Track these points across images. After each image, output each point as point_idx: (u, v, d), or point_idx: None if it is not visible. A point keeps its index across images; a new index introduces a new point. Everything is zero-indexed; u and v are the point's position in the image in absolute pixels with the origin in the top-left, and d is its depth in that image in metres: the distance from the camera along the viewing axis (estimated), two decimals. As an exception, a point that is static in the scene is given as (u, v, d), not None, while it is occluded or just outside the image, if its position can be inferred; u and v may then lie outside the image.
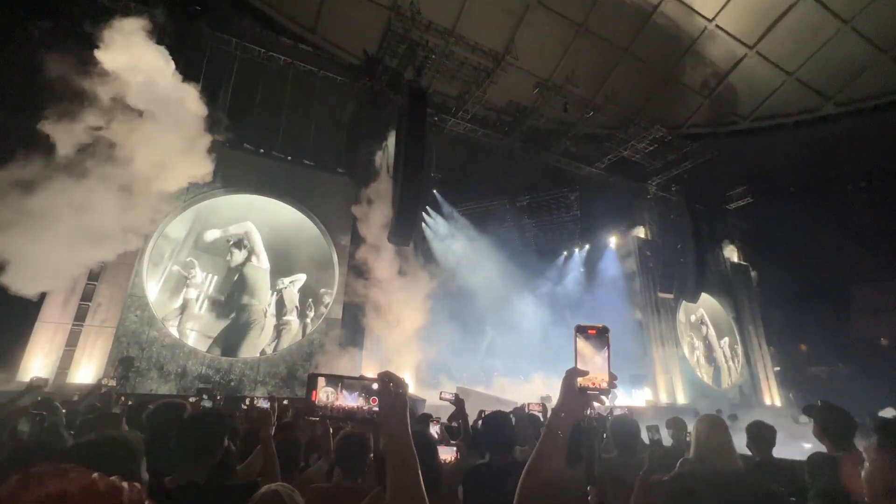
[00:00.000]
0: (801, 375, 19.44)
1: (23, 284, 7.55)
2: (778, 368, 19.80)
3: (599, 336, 1.04)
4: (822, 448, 2.53)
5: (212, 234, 12.24)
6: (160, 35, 9.85)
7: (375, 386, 0.87)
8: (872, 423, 1.21)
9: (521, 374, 15.12)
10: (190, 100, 9.62)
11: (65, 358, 9.30)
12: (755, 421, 2.85)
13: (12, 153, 7.70)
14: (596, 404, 1.04)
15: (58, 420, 2.46)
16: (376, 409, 0.86)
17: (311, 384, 0.89)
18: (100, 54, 8.40)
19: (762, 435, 2.77)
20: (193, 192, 11.41)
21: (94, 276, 9.95)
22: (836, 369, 18.78)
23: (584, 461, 1.53)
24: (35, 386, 3.19)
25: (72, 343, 9.47)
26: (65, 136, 8.15)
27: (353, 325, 12.80)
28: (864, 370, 16.72)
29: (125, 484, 0.42)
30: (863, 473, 1.09)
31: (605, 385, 1.00)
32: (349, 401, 0.87)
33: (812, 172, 17.57)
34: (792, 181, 18.37)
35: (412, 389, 10.65)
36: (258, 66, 12.86)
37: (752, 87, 15.88)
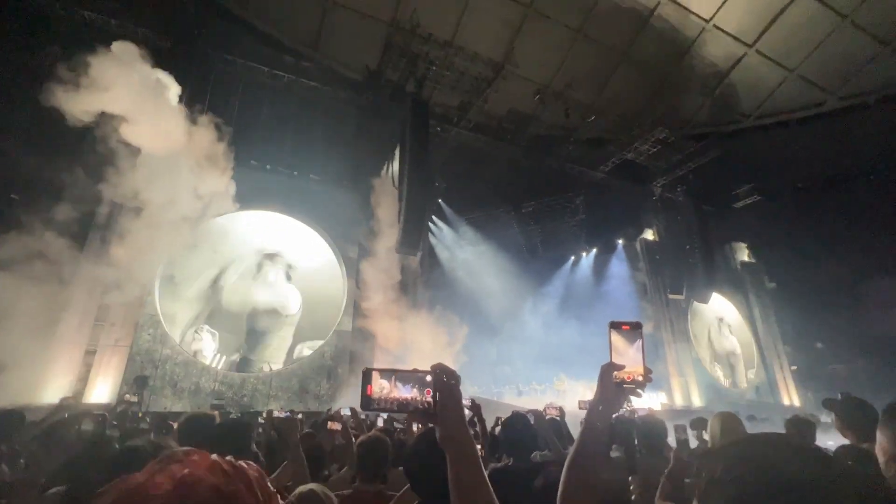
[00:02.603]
0: (820, 373, 19.08)
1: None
2: (795, 367, 19.47)
3: (633, 331, 1.07)
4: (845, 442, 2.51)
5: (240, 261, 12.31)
6: (164, 60, 10.12)
7: (429, 378, 0.90)
8: None
9: (533, 381, 15.02)
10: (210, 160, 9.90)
11: (81, 378, 9.40)
12: (794, 416, 2.86)
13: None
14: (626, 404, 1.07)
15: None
16: (429, 400, 0.88)
17: (366, 379, 0.91)
18: (105, 97, 8.56)
19: (800, 429, 2.77)
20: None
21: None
22: (855, 366, 18.42)
23: (624, 453, 1.54)
24: (66, 405, 3.26)
25: (87, 363, 9.58)
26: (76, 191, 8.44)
27: (362, 336, 12.83)
28: (883, 365, 16.40)
29: (245, 463, 0.46)
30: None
31: (640, 378, 1.02)
32: (403, 392, 0.90)
33: (819, 168, 17.42)
34: (798, 177, 18.21)
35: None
36: (262, 85, 13.10)
37: (753, 85, 15.86)
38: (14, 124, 8.81)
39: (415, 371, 0.91)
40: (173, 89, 10.25)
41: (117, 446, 1.66)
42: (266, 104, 13.46)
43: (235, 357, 11.87)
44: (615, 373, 1.02)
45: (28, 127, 8.74)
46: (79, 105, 8.31)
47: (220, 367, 11.43)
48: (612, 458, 2.04)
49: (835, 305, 18.64)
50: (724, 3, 13.39)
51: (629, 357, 1.04)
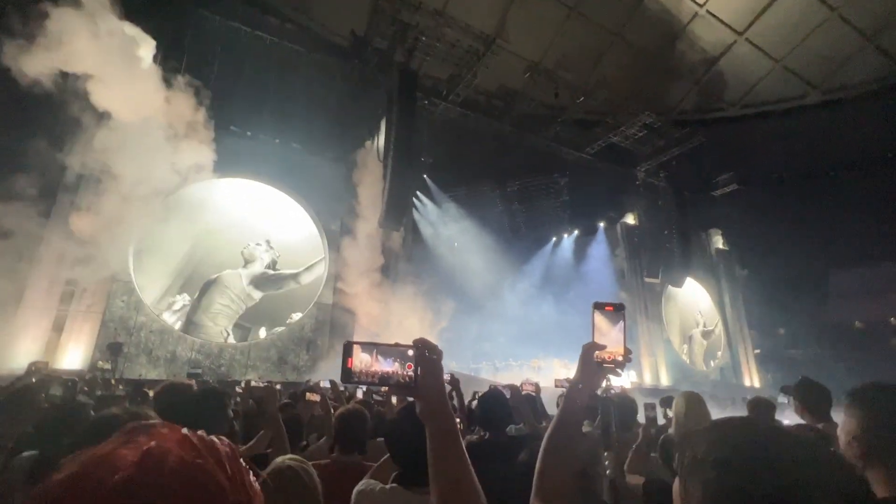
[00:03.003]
0: (780, 357, 20.08)
1: None
2: (758, 351, 20.41)
3: (616, 312, 1.09)
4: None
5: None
6: (136, 13, 9.46)
7: (410, 352, 0.89)
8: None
9: (510, 358, 15.35)
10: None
11: (51, 343, 9.16)
12: (756, 397, 2.99)
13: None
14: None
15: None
16: (411, 374, 0.89)
17: (347, 352, 0.91)
18: (67, 52, 7.90)
19: (760, 409, 2.92)
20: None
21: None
22: (813, 351, 19.44)
23: (600, 430, 1.59)
24: (35, 370, 3.17)
25: (57, 328, 9.31)
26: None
27: (342, 310, 12.82)
28: (839, 352, 17.35)
29: (217, 438, 0.45)
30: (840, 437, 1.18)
31: (620, 358, 1.05)
32: (385, 366, 0.89)
33: (797, 160, 17.88)
34: (776, 168, 18.68)
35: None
36: (244, 47, 12.51)
37: (740, 74, 15.99)
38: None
39: (396, 345, 0.91)
40: (146, 46, 9.65)
41: (93, 413, 1.63)
42: (247, 67, 12.83)
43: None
44: (596, 352, 1.04)
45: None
46: (37, 63, 7.61)
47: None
48: (586, 433, 2.11)
49: (799, 294, 19.50)
50: (718, -13, 13.31)
51: (611, 337, 1.06)
